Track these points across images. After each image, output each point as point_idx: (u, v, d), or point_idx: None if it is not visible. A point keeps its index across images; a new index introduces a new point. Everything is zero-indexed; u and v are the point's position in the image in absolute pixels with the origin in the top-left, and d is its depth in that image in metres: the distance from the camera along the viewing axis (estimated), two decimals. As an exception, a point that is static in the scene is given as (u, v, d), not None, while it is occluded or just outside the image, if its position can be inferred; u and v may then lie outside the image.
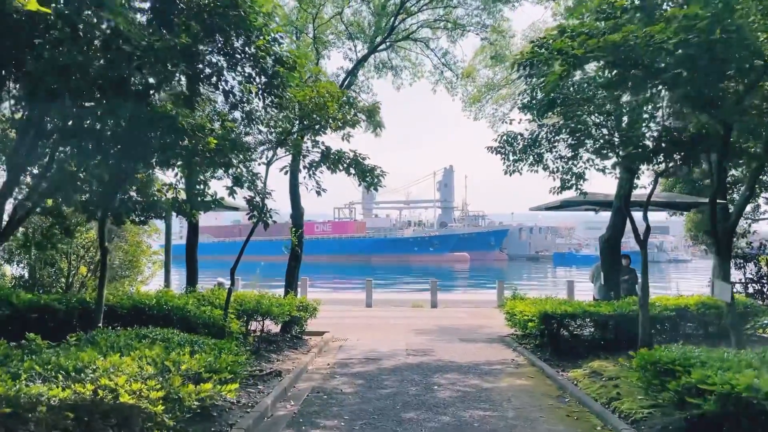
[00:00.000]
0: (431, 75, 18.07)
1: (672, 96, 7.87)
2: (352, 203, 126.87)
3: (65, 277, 17.75)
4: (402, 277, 56.01)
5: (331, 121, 8.37)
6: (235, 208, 13.19)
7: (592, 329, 10.54)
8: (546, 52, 7.51)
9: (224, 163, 7.80)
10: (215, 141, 7.83)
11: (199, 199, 8.16)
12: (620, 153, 8.77)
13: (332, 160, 8.89)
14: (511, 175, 10.40)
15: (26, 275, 16.20)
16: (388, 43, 16.01)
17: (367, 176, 9.05)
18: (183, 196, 8.62)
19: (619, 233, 12.50)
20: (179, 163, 8.25)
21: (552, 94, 9.09)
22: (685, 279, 57.28)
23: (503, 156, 10.27)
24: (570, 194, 11.44)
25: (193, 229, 12.41)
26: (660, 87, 7.61)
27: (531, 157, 10.21)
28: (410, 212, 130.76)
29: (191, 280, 12.16)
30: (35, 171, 8.18)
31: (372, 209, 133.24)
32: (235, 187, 7.97)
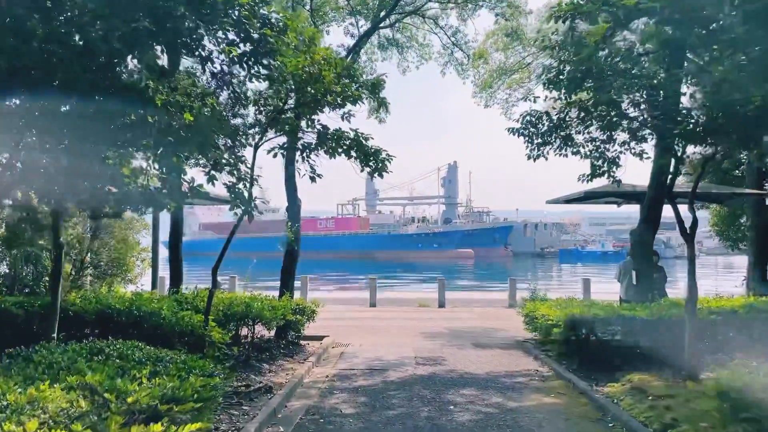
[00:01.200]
0: (440, 56, 16.75)
1: (733, 62, 6.58)
2: (355, 199, 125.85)
3: (49, 276, 16.61)
4: (406, 274, 54.78)
5: (328, 96, 7.10)
6: (223, 201, 11.91)
7: (627, 336, 9.24)
8: (589, 3, 6.22)
9: (201, 143, 6.55)
10: (191, 117, 6.60)
11: (173, 187, 6.92)
12: (665, 132, 7.47)
13: (330, 141, 7.62)
14: (535, 160, 9.11)
15: (10, 274, 15.13)
16: (393, 19, 14.69)
17: (371, 160, 7.76)
18: (158, 184, 7.38)
19: (654, 227, 11.20)
20: (150, 143, 7.03)
21: (584, 66, 7.83)
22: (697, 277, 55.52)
23: (526, 138, 8.98)
24: (598, 184, 10.17)
25: (176, 224, 11.19)
26: (723, 50, 6.32)
27: (558, 140, 8.92)
28: (414, 208, 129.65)
29: (175, 280, 10.93)
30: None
31: (375, 205, 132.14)
32: (214, 172, 6.71)
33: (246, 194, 6.84)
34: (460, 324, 15.48)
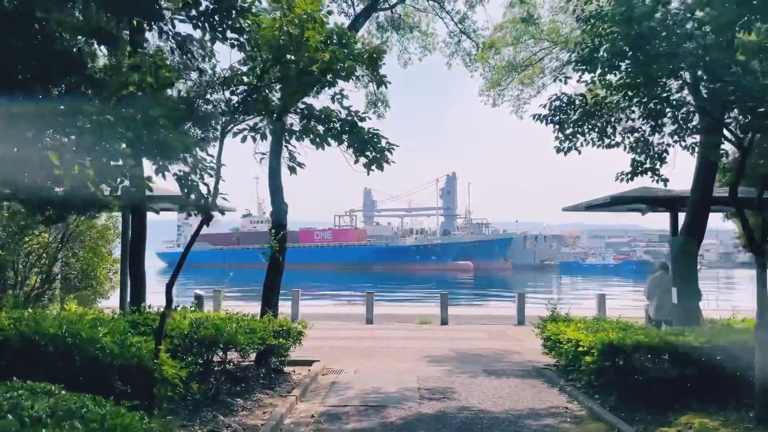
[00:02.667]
0: (446, 46, 15.20)
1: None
2: (352, 210, 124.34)
3: (13, 287, 14.99)
4: (404, 286, 53.10)
5: (314, 66, 5.56)
6: (180, 201, 10.31)
7: (676, 366, 7.65)
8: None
9: (147, 123, 5.01)
10: (132, 86, 5.09)
11: (113, 179, 5.37)
12: (746, 109, 5.96)
13: (317, 123, 6.07)
14: (566, 153, 7.58)
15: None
16: (393, 1, 13.19)
17: (368, 148, 6.23)
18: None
19: (699, 237, 9.68)
20: (87, 125, 5.50)
21: (628, 35, 6.35)
22: (708, 291, 53.85)
23: (556, 127, 7.45)
24: (638, 184, 8.66)
25: (139, 230, 9.61)
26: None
27: (593, 129, 7.40)
28: (412, 220, 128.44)
29: (136, 296, 9.31)
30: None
31: (373, 217, 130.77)
32: (163, 161, 5.16)
33: (204, 189, 5.27)
34: (467, 345, 13.87)
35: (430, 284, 58.22)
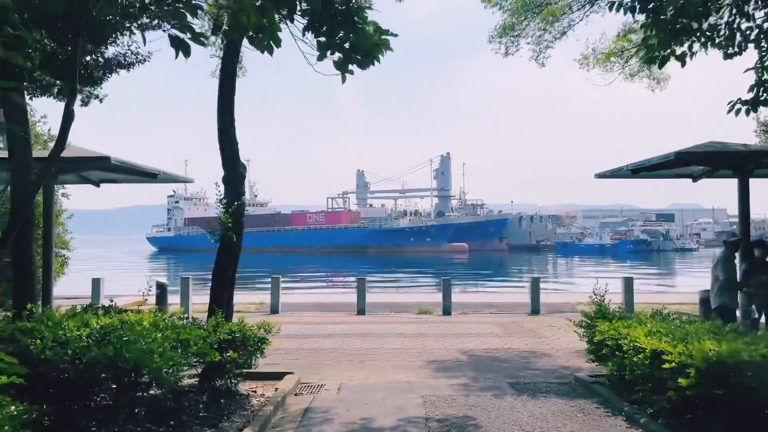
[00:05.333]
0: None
1: None
2: (345, 193, 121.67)
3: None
4: (399, 269, 50.54)
5: None
6: (142, 174, 7.48)
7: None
8: None
9: None
10: None
11: None
12: None
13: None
14: (662, 65, 4.86)
15: None
16: None
17: (339, 29, 3.46)
18: None
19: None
20: None
21: None
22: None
23: (649, 18, 4.73)
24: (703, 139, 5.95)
25: (21, 204, 6.81)
26: None
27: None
28: (406, 202, 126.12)
29: (20, 293, 6.54)
30: None
31: (366, 199, 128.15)
32: None
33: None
34: (479, 343, 11.27)
35: (426, 267, 55.75)
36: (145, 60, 8.42)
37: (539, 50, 12.63)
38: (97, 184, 11.82)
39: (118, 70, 8.20)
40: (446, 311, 16.17)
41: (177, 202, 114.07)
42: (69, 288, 20.99)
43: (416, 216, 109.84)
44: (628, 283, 16.62)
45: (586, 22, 12.51)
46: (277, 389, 7.47)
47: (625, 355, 6.60)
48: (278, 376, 8.16)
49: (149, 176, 10.03)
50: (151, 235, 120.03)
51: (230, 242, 7.25)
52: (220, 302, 7.22)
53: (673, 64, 5.18)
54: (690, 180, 11.16)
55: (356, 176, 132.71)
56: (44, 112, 16.29)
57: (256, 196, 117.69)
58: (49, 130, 15.52)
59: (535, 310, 16.28)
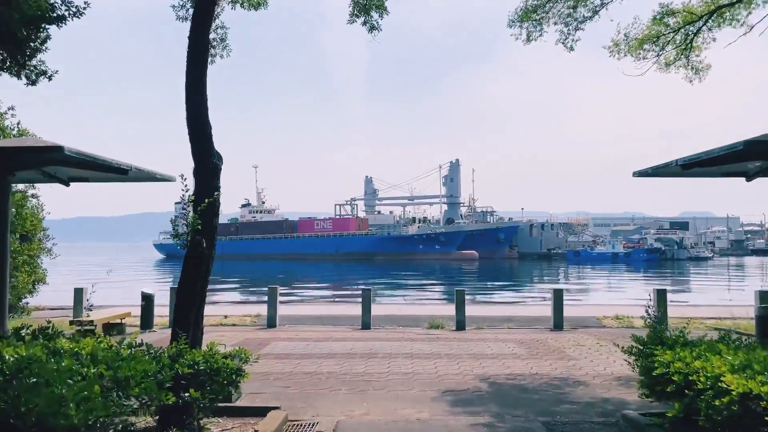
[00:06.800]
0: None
1: None
2: (353, 199, 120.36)
3: None
4: (407, 278, 48.98)
5: None
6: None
7: None
8: None
9: None
10: None
11: None
12: None
13: None
14: None
15: None
16: None
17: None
18: None
19: None
20: None
21: None
22: (736, 281, 49.53)
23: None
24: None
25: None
26: None
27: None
28: (414, 209, 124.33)
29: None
30: None
31: (375, 205, 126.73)
32: None
33: None
34: (500, 367, 9.77)
35: (435, 275, 54.17)
36: (81, 12, 6.96)
37: (567, 32, 11.18)
38: (66, 183, 10.45)
39: (45, 26, 6.79)
40: (460, 326, 14.70)
41: (184, 208, 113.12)
42: (56, 298, 19.75)
43: (425, 223, 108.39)
44: (661, 296, 15.07)
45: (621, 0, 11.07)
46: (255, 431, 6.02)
47: (701, 396, 5.11)
48: (261, 412, 6.71)
49: (119, 172, 8.63)
50: (158, 242, 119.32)
51: (199, 249, 5.82)
52: (185, 324, 5.78)
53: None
54: (743, 179, 9.64)
55: (364, 183, 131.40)
56: (11, 103, 14.89)
57: (263, 202, 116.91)
58: (18, 123, 14.21)
59: (557, 324, 14.77)
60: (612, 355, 10.69)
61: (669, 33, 12.34)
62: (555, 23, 11.21)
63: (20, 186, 14.59)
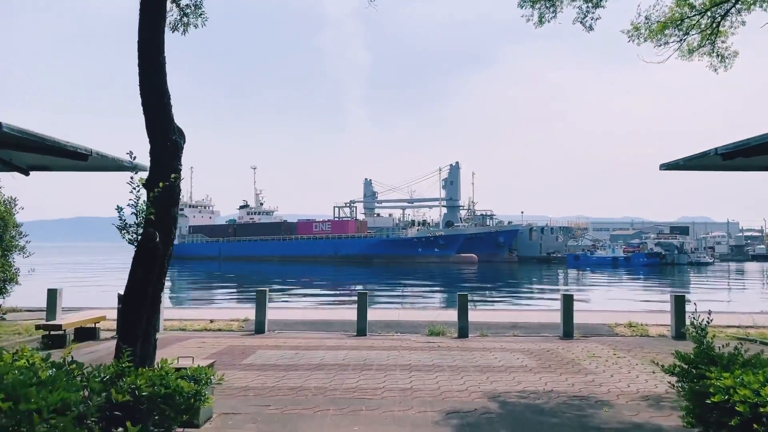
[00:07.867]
0: None
1: None
2: (352, 202, 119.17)
3: None
4: (406, 280, 47.86)
5: None
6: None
7: None
8: None
9: None
10: None
11: None
12: None
13: None
14: None
15: None
16: None
17: None
18: None
19: None
20: None
21: None
22: (739, 287, 48.39)
23: None
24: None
25: None
26: None
27: None
28: (414, 211, 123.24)
29: None
30: None
31: (374, 208, 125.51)
32: None
33: None
34: (510, 382, 8.66)
35: (435, 278, 53.05)
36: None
37: (587, 9, 10.11)
38: (25, 172, 9.37)
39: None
40: (462, 333, 13.60)
41: (182, 209, 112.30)
42: (37, 299, 18.61)
43: (424, 226, 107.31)
44: (679, 302, 13.99)
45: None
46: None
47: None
48: (231, 440, 5.62)
49: (77, 157, 7.55)
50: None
51: (150, 245, 4.73)
52: (132, 336, 4.68)
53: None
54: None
55: (364, 185, 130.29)
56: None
57: (262, 204, 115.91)
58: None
59: (567, 333, 13.67)
60: (633, 369, 9.60)
61: (694, 15, 11.28)
62: (570, 2, 10.13)
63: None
